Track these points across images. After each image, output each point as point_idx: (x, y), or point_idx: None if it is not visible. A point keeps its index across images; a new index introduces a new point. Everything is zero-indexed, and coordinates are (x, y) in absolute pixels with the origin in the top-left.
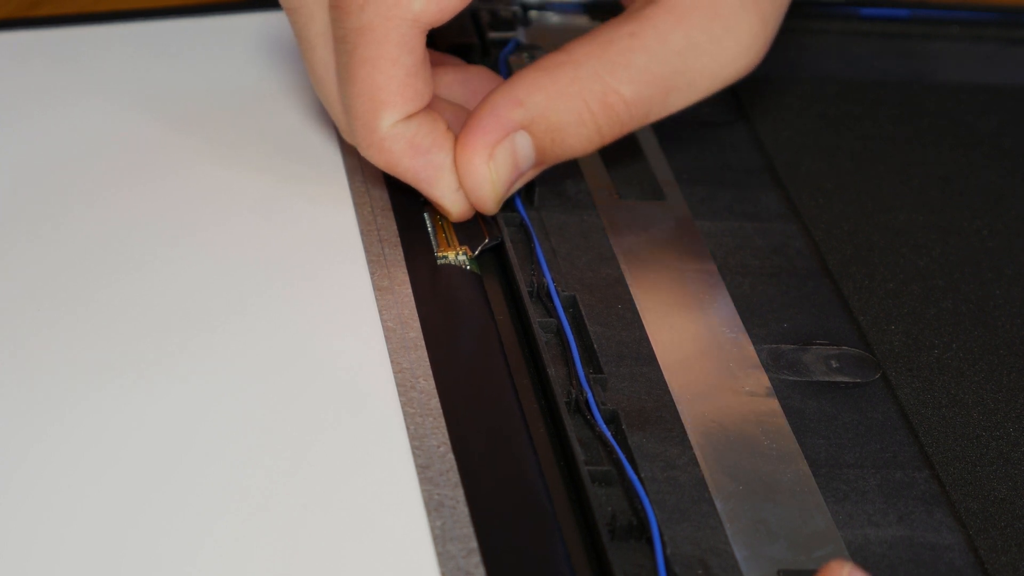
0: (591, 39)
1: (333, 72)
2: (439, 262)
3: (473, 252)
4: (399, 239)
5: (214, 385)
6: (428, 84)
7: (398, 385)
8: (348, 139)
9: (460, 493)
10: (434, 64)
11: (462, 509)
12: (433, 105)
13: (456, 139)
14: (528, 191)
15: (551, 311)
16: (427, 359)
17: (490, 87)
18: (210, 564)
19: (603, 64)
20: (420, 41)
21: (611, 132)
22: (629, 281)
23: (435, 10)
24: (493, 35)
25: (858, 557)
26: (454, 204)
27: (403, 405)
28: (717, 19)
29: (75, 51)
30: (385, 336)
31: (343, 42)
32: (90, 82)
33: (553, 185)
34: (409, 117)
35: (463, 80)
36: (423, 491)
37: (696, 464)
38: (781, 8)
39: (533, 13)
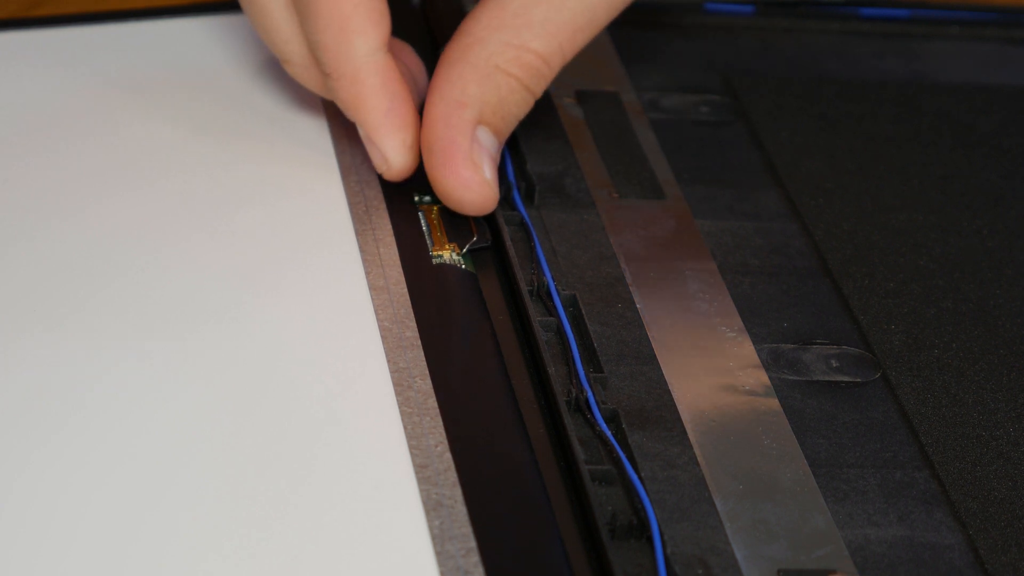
0: (483, 11)
1: (290, 20)
2: (434, 261)
3: (462, 250)
4: (394, 238)
5: (209, 385)
6: (387, 14)
7: (395, 385)
8: (305, 81)
9: (458, 492)
10: None
11: (460, 508)
12: None
13: (430, 169)
14: (528, 190)
15: (551, 310)
16: (423, 358)
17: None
18: (207, 564)
19: (505, 32)
20: None
21: (539, 87)
22: (629, 280)
23: None
24: None
25: (858, 557)
26: (400, 158)
27: (400, 404)
28: None
29: (75, 51)
30: (381, 335)
31: None
32: (90, 82)
33: (553, 184)
34: (379, 47)
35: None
36: (421, 490)
37: (696, 463)
38: None
39: None
